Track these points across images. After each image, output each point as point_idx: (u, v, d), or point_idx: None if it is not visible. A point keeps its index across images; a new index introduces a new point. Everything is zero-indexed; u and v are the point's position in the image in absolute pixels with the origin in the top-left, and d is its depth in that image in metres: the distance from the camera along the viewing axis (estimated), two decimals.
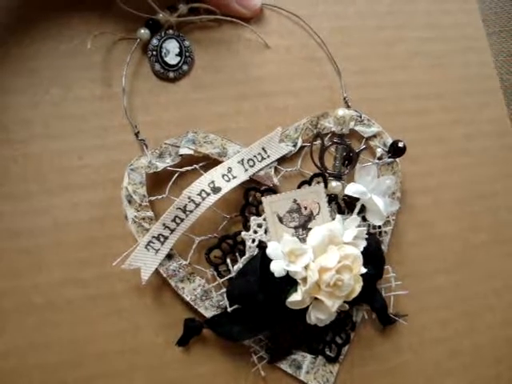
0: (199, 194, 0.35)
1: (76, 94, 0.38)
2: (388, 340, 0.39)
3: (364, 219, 0.38)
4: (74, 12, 0.38)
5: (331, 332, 0.38)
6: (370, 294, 0.37)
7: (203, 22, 0.40)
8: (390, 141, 0.40)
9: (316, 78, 0.42)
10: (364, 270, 0.34)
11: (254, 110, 0.40)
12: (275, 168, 0.39)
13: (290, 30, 0.42)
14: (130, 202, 0.36)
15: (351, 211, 0.37)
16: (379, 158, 0.39)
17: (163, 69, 0.39)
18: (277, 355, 0.37)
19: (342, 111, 0.37)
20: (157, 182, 0.37)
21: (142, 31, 0.38)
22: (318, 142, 0.37)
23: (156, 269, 0.35)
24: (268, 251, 0.34)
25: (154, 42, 0.39)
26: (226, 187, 0.36)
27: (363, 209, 0.38)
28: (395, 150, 0.38)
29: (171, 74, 0.39)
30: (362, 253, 0.35)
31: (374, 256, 0.36)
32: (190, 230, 0.36)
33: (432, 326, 0.40)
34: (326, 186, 0.37)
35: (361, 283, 0.34)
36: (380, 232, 0.39)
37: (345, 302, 0.35)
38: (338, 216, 0.36)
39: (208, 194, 0.35)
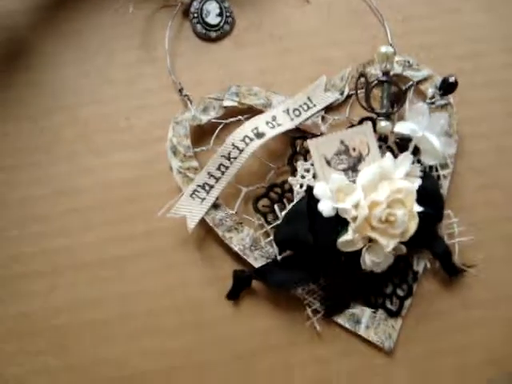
0: (242, 140, 0.35)
1: (121, 59, 0.39)
2: (455, 294, 0.35)
3: (419, 162, 0.35)
4: None
5: (391, 284, 0.35)
6: (430, 238, 0.34)
7: None
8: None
9: (360, 30, 0.41)
10: (420, 208, 0.32)
11: (297, 63, 0.40)
12: (322, 117, 0.38)
13: None
14: (174, 153, 0.35)
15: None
16: (431, 99, 0.37)
17: (205, 29, 0.39)
18: (333, 308, 0.34)
19: (384, 48, 0.35)
20: (201, 134, 0.37)
21: None
22: (363, 81, 0.36)
23: (202, 219, 0.34)
24: (315, 191, 0.33)
25: (195, 4, 0.40)
26: (270, 133, 0.35)
27: (417, 151, 0.35)
28: (446, 86, 0.36)
29: (213, 34, 0.39)
30: (418, 192, 0.33)
31: (431, 196, 0.33)
32: (236, 180, 0.35)
33: (504, 280, 0.36)
34: (374, 129, 0.35)
35: (416, 220, 0.32)
36: (438, 176, 0.36)
37: (401, 243, 0.32)
38: (389, 153, 0.34)
39: (252, 140, 0.35)
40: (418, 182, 0.33)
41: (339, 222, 0.32)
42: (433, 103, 0.37)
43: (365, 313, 0.34)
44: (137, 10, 0.39)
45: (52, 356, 0.34)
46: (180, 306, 0.35)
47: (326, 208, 0.32)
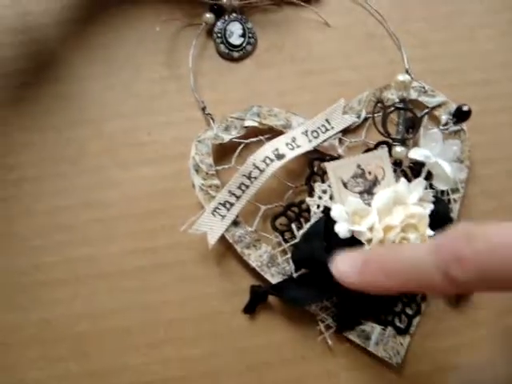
0: (263, 161, 0.36)
1: (145, 76, 0.40)
2: (462, 313, 0.37)
3: (431, 187, 0.37)
4: (144, 3, 0.41)
5: (401, 302, 0.36)
6: None
7: (264, 4, 0.42)
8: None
9: (377, 54, 0.42)
10: (432, 233, 0.33)
11: (316, 85, 0.41)
12: (339, 139, 0.39)
13: (349, 9, 0.43)
14: (197, 170, 0.37)
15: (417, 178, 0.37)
16: (444, 125, 0.39)
17: (228, 49, 0.41)
18: (344, 324, 0.36)
19: (401, 76, 0.36)
20: (223, 153, 0.38)
21: (208, 16, 0.41)
22: (380, 106, 0.37)
23: (222, 235, 0.36)
24: (332, 213, 0.34)
25: (219, 25, 0.41)
26: (290, 154, 0.37)
27: (430, 176, 0.37)
28: (460, 114, 0.37)
29: (235, 54, 0.41)
30: (430, 216, 0.34)
31: (442, 220, 0.35)
32: (256, 199, 0.37)
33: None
34: (390, 153, 0.36)
35: None
36: (449, 199, 0.38)
37: None
38: (403, 179, 0.35)
39: (272, 161, 0.36)
40: (430, 207, 0.35)
41: (354, 244, 0.33)
42: (446, 129, 0.39)
43: (374, 330, 0.36)
44: (163, 29, 0.40)
45: (73, 362, 0.36)
46: (198, 317, 0.36)
47: (342, 230, 0.33)
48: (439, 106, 0.40)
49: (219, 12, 0.41)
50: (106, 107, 0.40)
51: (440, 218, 0.35)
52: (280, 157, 0.36)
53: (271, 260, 0.36)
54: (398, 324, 0.36)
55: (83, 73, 0.41)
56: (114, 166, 0.39)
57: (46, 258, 0.37)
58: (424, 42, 0.42)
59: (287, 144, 0.37)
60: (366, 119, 0.40)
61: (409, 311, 0.36)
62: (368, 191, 0.36)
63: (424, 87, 0.40)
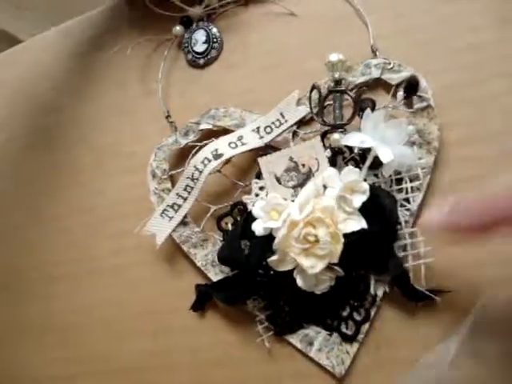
0: (202, 162, 0.37)
1: (127, 92, 0.44)
2: (423, 321, 0.32)
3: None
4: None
5: (349, 307, 0.33)
6: (382, 260, 0.31)
7: (230, 8, 0.42)
8: (425, 85, 0.34)
9: (345, 36, 0.38)
10: (354, 228, 0.30)
11: (281, 79, 0.39)
12: (294, 132, 0.37)
13: None
14: (153, 176, 0.39)
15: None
16: (401, 102, 0.34)
17: (194, 57, 0.42)
18: (283, 327, 0.34)
19: (334, 56, 0.33)
20: (182, 157, 0.40)
21: (178, 28, 0.43)
22: (316, 92, 0.34)
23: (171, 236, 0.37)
24: (253, 210, 0.33)
25: (186, 35, 0.43)
26: (230, 153, 0.36)
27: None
28: (408, 87, 0.32)
29: (201, 61, 0.42)
30: (365, 208, 0.31)
31: (381, 211, 0.31)
32: (207, 199, 0.37)
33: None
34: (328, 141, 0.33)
35: (341, 242, 0.30)
36: (406, 189, 0.33)
37: (340, 265, 0.30)
38: (330, 168, 0.32)
39: (210, 161, 0.36)
40: (360, 198, 0.31)
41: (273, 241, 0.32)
42: (410, 107, 0.34)
43: (319, 335, 0.33)
44: (140, 49, 0.43)
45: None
46: (154, 313, 0.38)
47: (257, 227, 0.32)
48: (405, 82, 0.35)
49: (188, 23, 0.43)
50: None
51: (378, 211, 0.31)
52: (217, 157, 0.36)
53: (215, 259, 0.36)
54: (344, 330, 0.33)
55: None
56: (101, 175, 0.44)
57: None
58: (395, 15, 0.37)
59: (230, 143, 0.37)
60: (323, 108, 0.37)
61: (357, 317, 0.33)
62: (302, 185, 0.33)
63: (389, 62, 0.35)
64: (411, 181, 0.33)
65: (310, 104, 0.35)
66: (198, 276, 0.37)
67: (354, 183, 0.31)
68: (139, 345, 0.38)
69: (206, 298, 0.36)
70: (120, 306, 0.40)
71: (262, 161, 0.35)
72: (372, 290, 0.32)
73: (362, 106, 0.34)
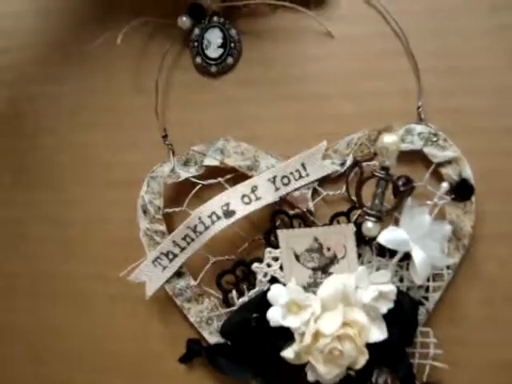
0: (209, 217, 0.32)
1: (114, 86, 0.36)
2: None
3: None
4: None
5: None
6: (394, 361, 0.31)
7: (254, 7, 0.34)
8: (468, 172, 0.31)
9: (387, 79, 0.33)
10: (378, 338, 0.28)
11: (304, 114, 0.34)
12: (314, 189, 0.33)
13: (360, 16, 0.34)
14: (144, 212, 0.34)
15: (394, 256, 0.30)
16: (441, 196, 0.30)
17: (204, 62, 0.35)
18: None
19: (388, 137, 0.29)
20: (178, 191, 0.35)
21: (184, 19, 0.34)
22: (357, 170, 0.30)
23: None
24: (269, 294, 0.30)
25: (196, 31, 0.35)
26: (243, 211, 0.32)
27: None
28: (461, 190, 0.29)
29: (213, 69, 0.35)
30: (389, 313, 0.29)
31: (402, 318, 0.29)
32: (206, 247, 0.33)
33: None
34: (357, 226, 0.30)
35: (366, 356, 0.28)
36: (427, 288, 0.31)
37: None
38: (362, 268, 0.29)
39: (219, 218, 0.32)
40: (387, 306, 0.29)
41: (286, 334, 0.30)
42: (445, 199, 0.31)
43: None
44: (129, 37, 0.34)
45: None
46: (139, 353, 0.36)
47: (273, 318, 0.29)
48: (448, 162, 0.31)
49: (198, 15, 0.34)
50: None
51: (401, 314, 0.29)
52: (229, 214, 0.32)
53: (211, 318, 0.34)
54: None
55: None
56: (76, 184, 0.37)
57: None
58: (451, 69, 0.32)
59: (244, 196, 0.32)
60: (352, 167, 0.32)
61: None
62: (323, 269, 0.31)
63: (435, 134, 0.31)
64: (434, 280, 0.31)
65: (347, 180, 0.30)
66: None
67: (387, 294, 0.29)
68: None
69: (196, 354, 0.34)
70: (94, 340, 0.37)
71: (282, 234, 0.31)
72: (374, 380, 0.32)
73: (398, 186, 0.30)
